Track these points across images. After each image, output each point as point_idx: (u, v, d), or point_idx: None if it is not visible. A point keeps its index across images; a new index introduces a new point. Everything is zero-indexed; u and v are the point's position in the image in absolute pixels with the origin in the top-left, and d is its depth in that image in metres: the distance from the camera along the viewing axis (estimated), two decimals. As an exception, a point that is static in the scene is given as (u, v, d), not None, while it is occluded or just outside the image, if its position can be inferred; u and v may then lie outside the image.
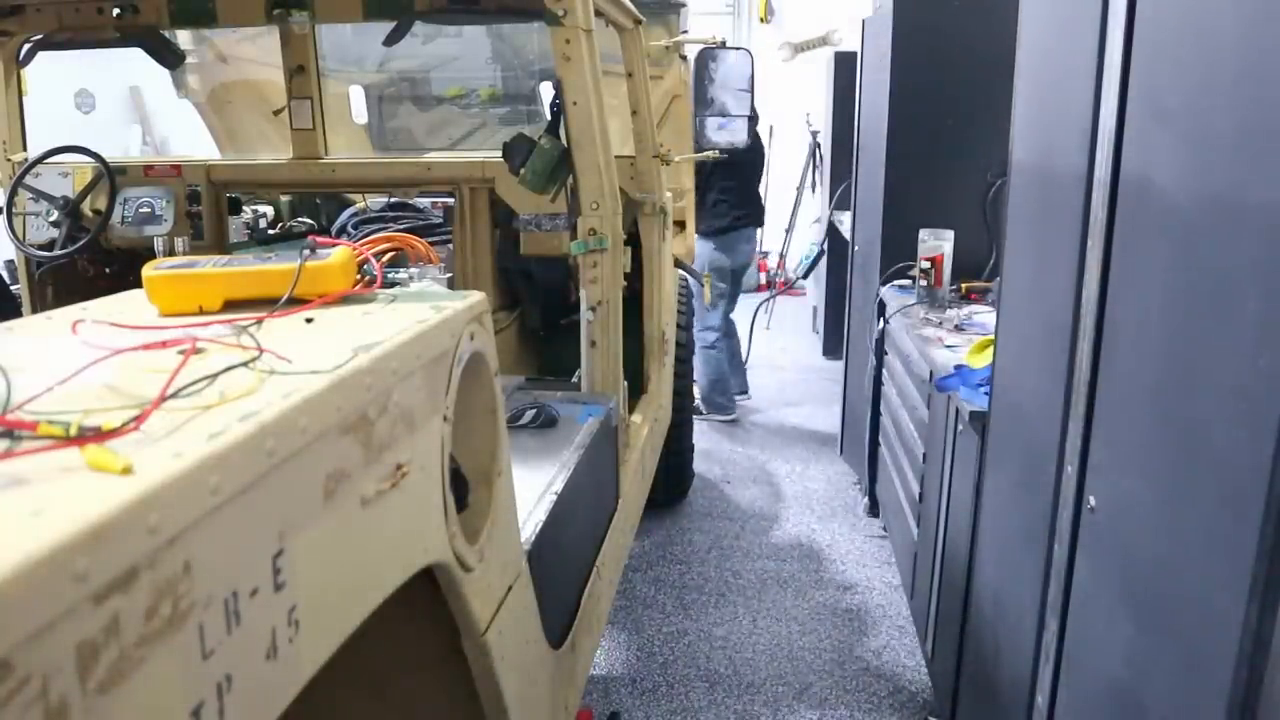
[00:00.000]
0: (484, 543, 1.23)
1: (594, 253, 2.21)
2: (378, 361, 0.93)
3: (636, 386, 2.94)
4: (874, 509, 3.98)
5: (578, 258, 2.23)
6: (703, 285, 4.31)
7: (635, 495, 2.71)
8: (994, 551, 2.04)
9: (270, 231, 3.33)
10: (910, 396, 3.05)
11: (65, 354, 0.89)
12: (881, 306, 3.58)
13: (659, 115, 3.82)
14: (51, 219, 2.97)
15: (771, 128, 8.56)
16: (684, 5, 4.39)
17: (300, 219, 3.47)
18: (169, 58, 3.00)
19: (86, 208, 3.02)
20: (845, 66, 5.30)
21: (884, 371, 3.62)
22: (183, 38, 3.83)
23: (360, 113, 4.50)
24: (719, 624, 3.25)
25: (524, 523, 1.55)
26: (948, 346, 2.73)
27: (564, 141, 2.22)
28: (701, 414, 5.13)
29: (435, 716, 1.32)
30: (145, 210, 3.08)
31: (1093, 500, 1.42)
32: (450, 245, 3.14)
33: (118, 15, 2.65)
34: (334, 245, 1.23)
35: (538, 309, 3.52)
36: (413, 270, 1.48)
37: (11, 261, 3.40)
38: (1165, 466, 1.20)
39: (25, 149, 3.01)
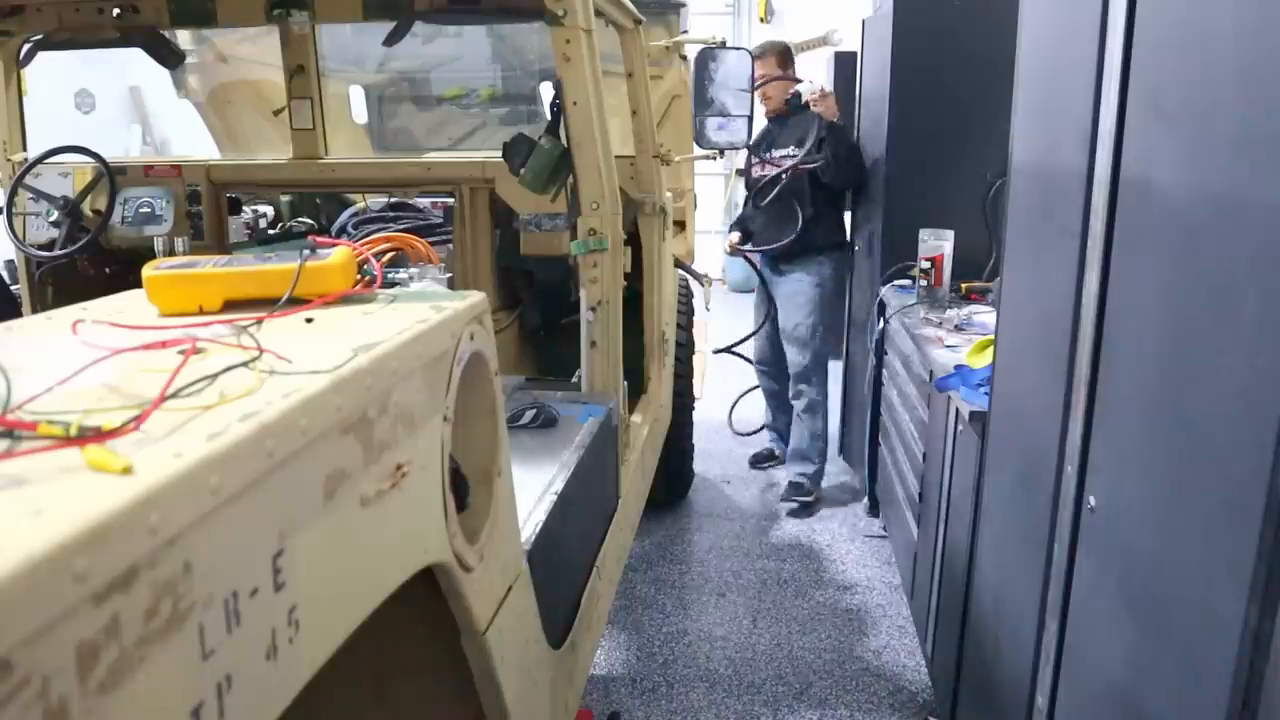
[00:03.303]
0: (484, 543, 1.23)
1: (594, 253, 2.21)
2: (378, 361, 0.92)
3: (636, 386, 2.94)
4: (874, 509, 3.98)
5: (578, 258, 2.23)
6: (703, 285, 4.30)
7: (635, 495, 2.71)
8: (994, 551, 2.04)
9: (270, 231, 3.33)
10: (910, 396, 3.05)
11: (65, 354, 0.89)
12: (881, 306, 3.58)
13: (659, 115, 3.82)
14: (51, 219, 2.97)
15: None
16: (684, 5, 4.39)
17: (300, 219, 3.47)
18: (169, 58, 3.00)
19: (86, 208, 3.02)
20: (845, 66, 5.30)
21: (884, 371, 3.62)
22: (183, 38, 3.83)
23: (360, 113, 4.50)
24: (719, 624, 3.25)
25: (524, 523, 1.55)
26: (948, 346, 2.73)
27: (564, 141, 2.22)
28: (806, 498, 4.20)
29: (435, 716, 1.32)
30: (145, 210, 3.08)
31: (1093, 500, 1.42)
32: (450, 245, 3.14)
33: (118, 15, 2.64)
34: (334, 245, 1.23)
35: (538, 309, 3.52)
36: (413, 270, 1.48)
37: (11, 261, 3.40)
38: (1165, 466, 1.20)
39: (25, 149, 3.01)
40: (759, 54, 3.98)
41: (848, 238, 4.30)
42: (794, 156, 3.97)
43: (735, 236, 4.38)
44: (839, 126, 3.94)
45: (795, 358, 4.15)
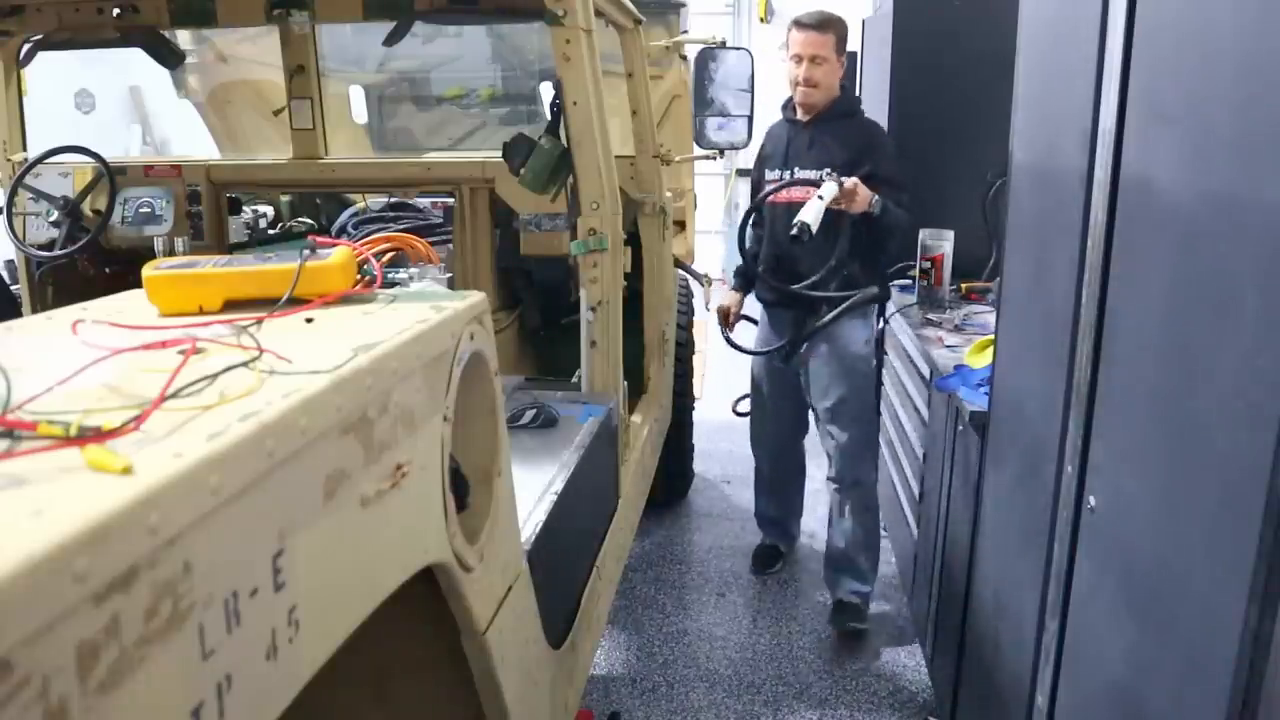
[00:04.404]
0: (484, 543, 1.23)
1: (594, 253, 2.21)
2: (378, 361, 0.92)
3: (636, 386, 2.94)
4: (874, 509, 3.97)
5: (578, 258, 2.23)
6: (703, 285, 4.29)
7: (635, 495, 2.71)
8: (994, 551, 2.04)
9: (270, 231, 3.34)
10: (910, 396, 3.05)
11: (65, 354, 0.89)
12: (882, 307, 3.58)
13: (659, 115, 3.82)
14: (51, 219, 2.97)
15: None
16: (684, 5, 4.39)
17: (300, 219, 3.47)
18: (169, 58, 3.00)
19: (86, 208, 3.02)
20: (846, 66, 5.31)
21: (884, 371, 3.62)
22: (183, 38, 3.83)
23: (360, 113, 4.50)
24: (719, 624, 3.25)
25: (524, 523, 1.55)
26: (948, 346, 2.73)
27: (564, 141, 2.22)
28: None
29: (435, 716, 1.32)
30: (145, 210, 3.08)
31: (1093, 500, 1.42)
32: (450, 245, 3.14)
33: (118, 15, 2.65)
34: (334, 245, 1.23)
35: (538, 309, 3.52)
36: (413, 270, 1.48)
37: (11, 261, 3.40)
38: (1165, 466, 1.20)
39: (25, 149, 3.02)
40: (814, 23, 2.91)
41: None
42: (827, 179, 2.74)
43: (734, 300, 3.30)
44: (880, 216, 2.81)
45: (841, 437, 3.05)
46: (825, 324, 2.94)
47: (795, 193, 2.91)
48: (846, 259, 2.89)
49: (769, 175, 3.10)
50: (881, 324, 3.44)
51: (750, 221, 3.17)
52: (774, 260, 3.10)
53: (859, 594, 3.14)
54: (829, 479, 3.16)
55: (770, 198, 3.02)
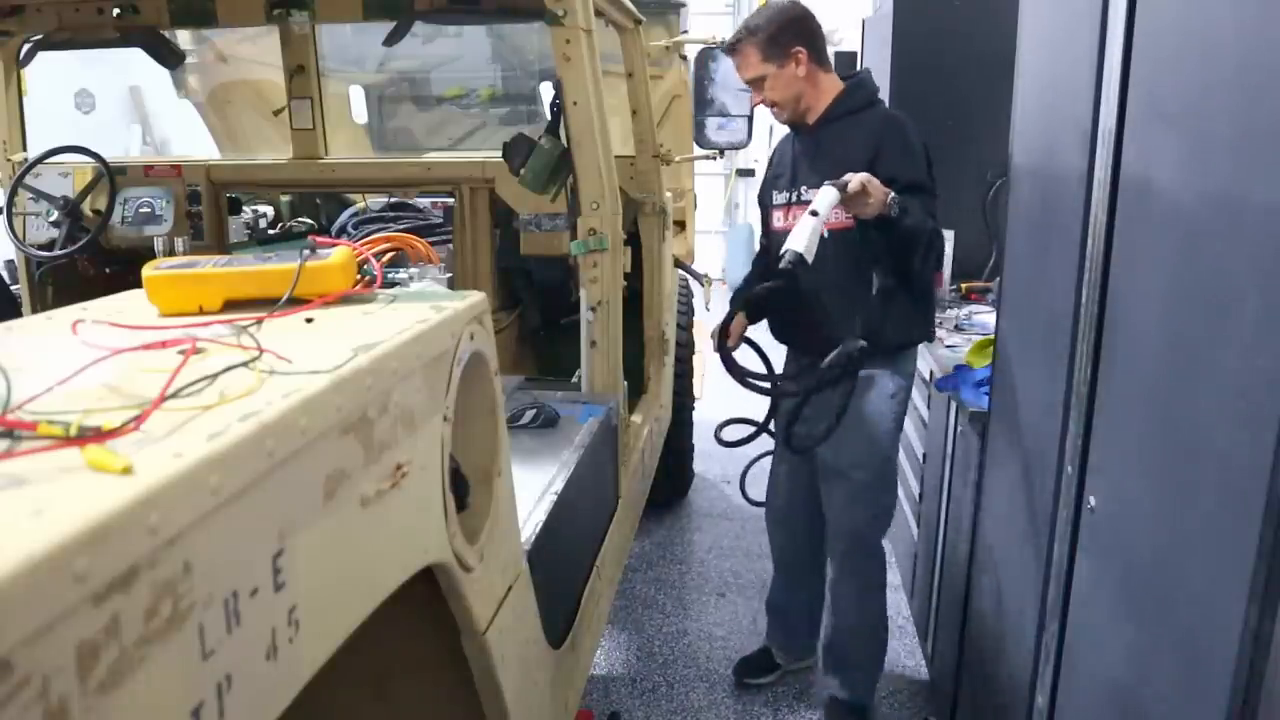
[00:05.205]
0: (484, 543, 1.23)
1: (594, 253, 2.21)
2: (378, 361, 0.92)
3: (636, 386, 2.94)
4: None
5: (578, 258, 2.23)
6: (703, 285, 4.29)
7: (635, 495, 2.71)
8: (994, 551, 2.04)
9: (270, 231, 3.34)
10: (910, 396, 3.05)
11: (65, 354, 0.89)
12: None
13: (659, 115, 3.82)
14: (51, 219, 2.98)
15: (772, 127, 8.57)
16: (684, 5, 4.39)
17: (300, 219, 3.47)
18: (169, 58, 3.00)
19: (86, 208, 3.03)
20: (845, 66, 5.30)
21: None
22: (183, 38, 3.83)
23: (360, 113, 4.50)
24: (719, 624, 3.25)
25: (524, 523, 1.55)
26: (948, 346, 2.73)
27: (564, 141, 2.22)
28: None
29: (435, 716, 1.32)
30: (145, 210, 3.08)
31: (1093, 500, 1.42)
32: (450, 245, 3.14)
33: (118, 15, 2.65)
34: (334, 245, 1.22)
35: (538, 309, 3.52)
36: (413, 270, 1.48)
37: (11, 261, 3.40)
38: (1165, 466, 1.20)
39: (25, 149, 3.02)
40: (727, 48, 2.45)
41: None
42: (826, 185, 2.04)
43: (739, 322, 2.38)
44: (899, 219, 2.10)
45: (851, 509, 2.47)
46: (802, 398, 2.26)
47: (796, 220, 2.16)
48: (879, 310, 2.22)
49: (776, 200, 2.44)
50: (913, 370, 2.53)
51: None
52: (787, 314, 2.41)
53: (853, 690, 2.61)
54: (834, 561, 2.56)
55: (775, 226, 2.43)
